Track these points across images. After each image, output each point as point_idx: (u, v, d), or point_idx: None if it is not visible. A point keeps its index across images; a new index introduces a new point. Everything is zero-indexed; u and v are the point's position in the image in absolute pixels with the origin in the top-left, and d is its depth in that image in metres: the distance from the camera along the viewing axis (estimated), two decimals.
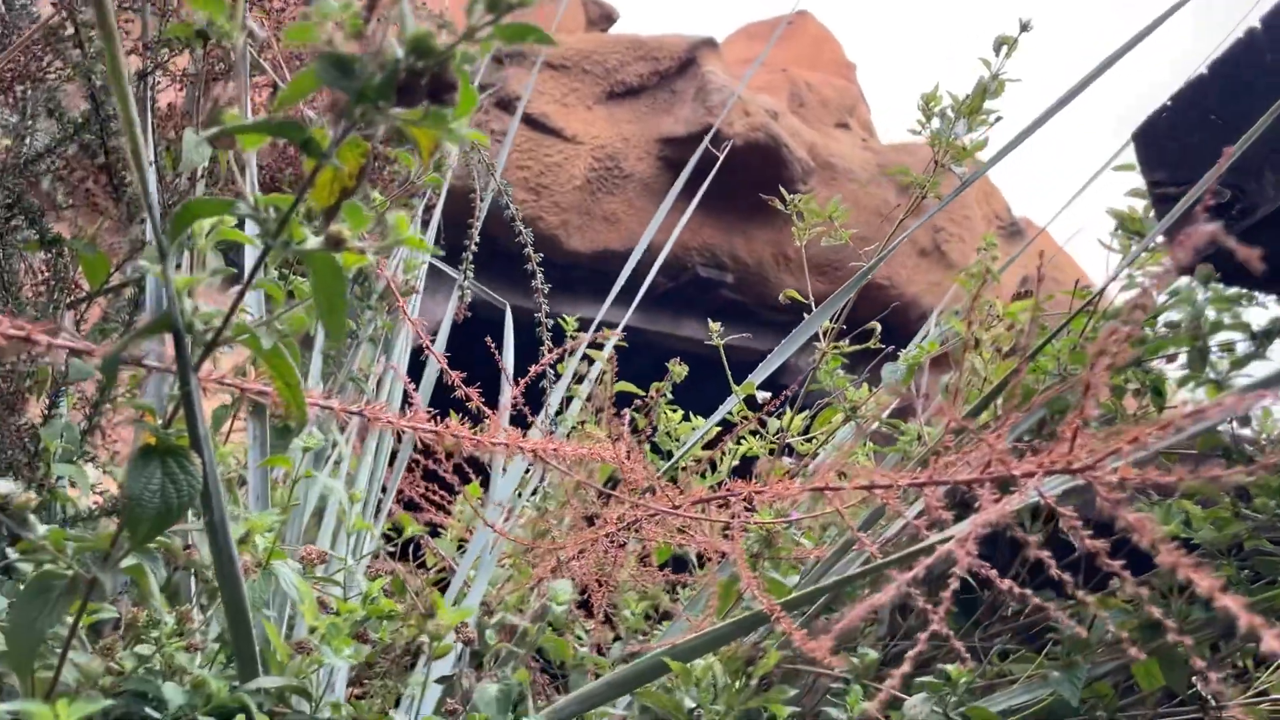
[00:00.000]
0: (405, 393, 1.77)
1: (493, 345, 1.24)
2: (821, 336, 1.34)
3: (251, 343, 0.58)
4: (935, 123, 1.22)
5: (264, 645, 0.88)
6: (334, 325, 0.54)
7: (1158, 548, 0.56)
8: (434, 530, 2.29)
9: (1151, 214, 1.14)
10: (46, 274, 1.57)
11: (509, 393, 1.22)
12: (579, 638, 1.45)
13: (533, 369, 1.05)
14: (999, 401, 1.14)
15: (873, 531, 1.10)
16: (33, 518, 0.66)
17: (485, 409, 1.01)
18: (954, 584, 0.63)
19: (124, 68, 0.52)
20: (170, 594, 0.94)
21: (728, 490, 0.95)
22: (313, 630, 0.86)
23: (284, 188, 1.51)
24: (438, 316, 2.27)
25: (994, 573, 0.76)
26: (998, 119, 1.21)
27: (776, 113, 5.41)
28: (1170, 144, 1.04)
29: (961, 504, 1.11)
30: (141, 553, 0.70)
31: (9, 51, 1.31)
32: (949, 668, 1.04)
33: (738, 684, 0.95)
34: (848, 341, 1.35)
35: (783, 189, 1.47)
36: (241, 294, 0.57)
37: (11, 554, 0.66)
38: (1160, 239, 1.06)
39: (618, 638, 1.61)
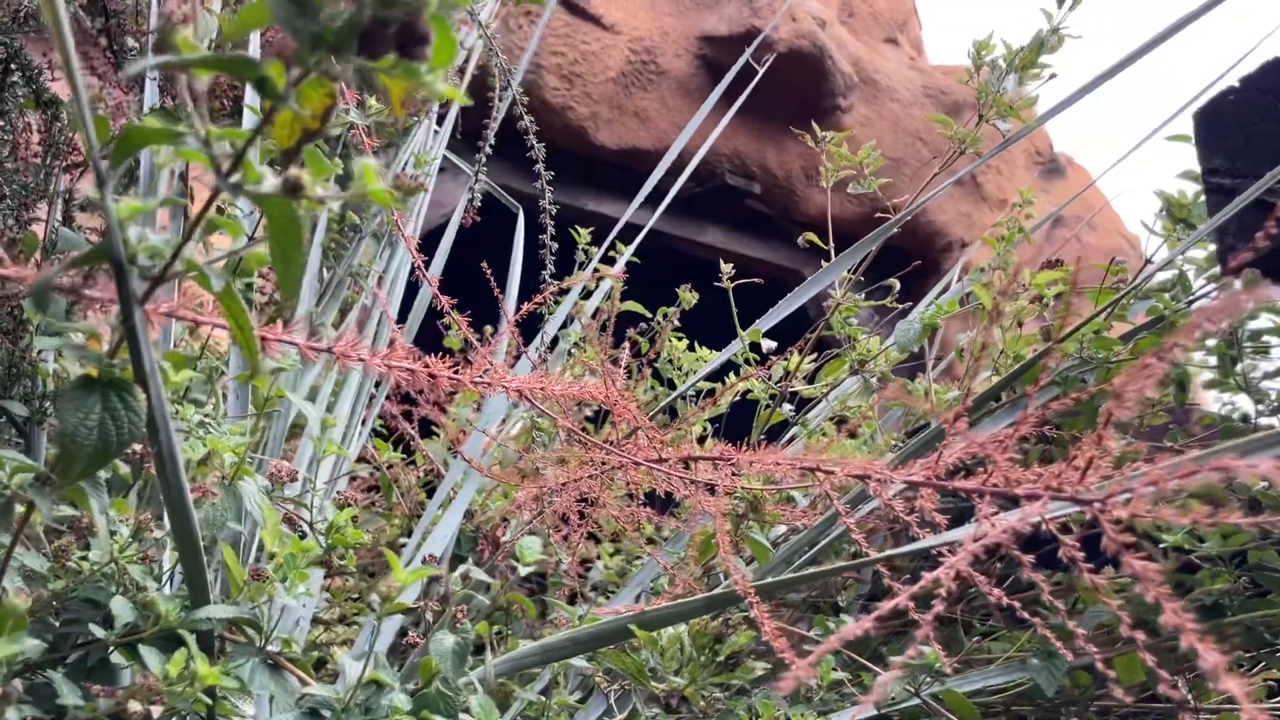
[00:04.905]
0: (401, 311, 1.72)
1: (489, 272, 1.18)
2: (837, 286, 1.27)
3: (201, 280, 0.53)
4: (985, 73, 1.14)
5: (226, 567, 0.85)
6: (287, 278, 0.49)
7: (1163, 604, 0.52)
8: (428, 428, 2.27)
9: (1202, 201, 1.07)
10: (43, 135, 1.51)
11: (508, 319, 1.17)
12: (558, 564, 1.43)
13: (526, 306, 0.99)
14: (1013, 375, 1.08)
15: (862, 502, 1.06)
16: None
17: (473, 339, 0.96)
18: (938, 607, 0.59)
19: None
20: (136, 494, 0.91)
21: (716, 454, 0.90)
22: (272, 557, 0.83)
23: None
24: (454, 201, 2.20)
25: (982, 579, 0.73)
26: (1052, 76, 1.13)
27: (825, 21, 5.22)
28: (1234, 131, 0.96)
29: (955, 495, 1.07)
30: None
31: None
32: (925, 649, 1.01)
33: (703, 658, 0.92)
34: (864, 296, 1.28)
35: (821, 104, 1.38)
36: (191, 229, 0.51)
37: None
38: (1209, 235, 0.99)
39: (588, 565, 1.59)
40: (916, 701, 1.08)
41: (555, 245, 1.78)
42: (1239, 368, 1.03)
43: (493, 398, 1.86)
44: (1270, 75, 0.95)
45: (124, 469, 0.71)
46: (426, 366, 0.78)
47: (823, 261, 1.27)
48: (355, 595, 1.84)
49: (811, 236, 1.34)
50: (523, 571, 0.89)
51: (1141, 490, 0.54)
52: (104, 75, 1.47)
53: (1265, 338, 1.01)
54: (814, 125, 1.31)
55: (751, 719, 0.98)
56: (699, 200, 5.27)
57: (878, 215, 1.34)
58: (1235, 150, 0.96)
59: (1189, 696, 1.16)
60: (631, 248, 1.83)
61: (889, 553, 0.76)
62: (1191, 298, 1.10)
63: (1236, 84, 0.97)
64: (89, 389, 0.57)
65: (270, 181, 0.48)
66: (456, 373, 0.83)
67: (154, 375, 0.58)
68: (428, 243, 1.88)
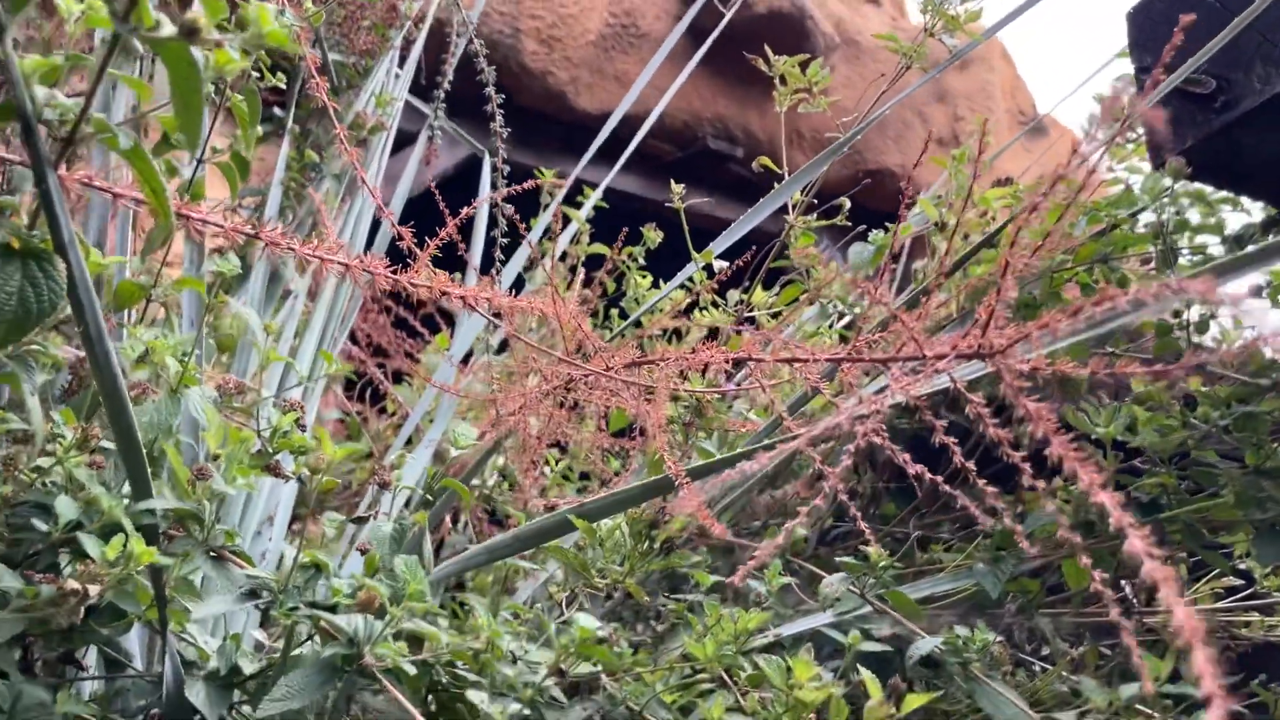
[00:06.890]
0: (372, 231, 1.72)
1: (441, 196, 1.18)
2: (790, 209, 1.28)
3: (110, 142, 0.54)
4: None
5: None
6: (189, 125, 0.50)
7: (1050, 438, 0.53)
8: (399, 380, 2.29)
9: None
10: None
11: (476, 247, 1.18)
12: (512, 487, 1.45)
13: (465, 209, 1.00)
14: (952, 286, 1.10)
15: (807, 409, 1.08)
16: None
17: (416, 249, 0.97)
18: (846, 461, 0.61)
19: None
20: (77, 408, 0.92)
21: (657, 356, 0.92)
22: (216, 457, 0.84)
23: None
24: (436, 169, 2.19)
25: (906, 457, 0.74)
26: None
27: None
28: (1164, 28, 0.97)
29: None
30: (15, 359, 0.67)
31: None
32: (869, 550, 1.03)
33: (641, 546, 0.94)
34: (815, 216, 1.30)
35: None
36: (96, 82, 0.52)
37: None
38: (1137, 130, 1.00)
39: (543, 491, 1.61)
40: (867, 609, 1.10)
41: (495, 193, 1.78)
42: (1169, 273, 1.04)
43: (459, 340, 1.88)
44: None
45: (57, 354, 0.72)
46: (363, 262, 0.79)
47: (775, 184, 1.28)
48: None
49: (765, 161, 1.35)
50: (454, 454, 0.90)
51: (1036, 335, 0.56)
52: None
53: (1199, 237, 1.02)
54: (767, 49, 1.32)
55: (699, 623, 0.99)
56: (683, 164, 5.26)
57: (860, 175, 1.35)
58: (1164, 46, 0.97)
59: (1135, 600, 1.19)
60: (598, 193, 1.84)
61: (816, 430, 0.78)
62: (1135, 209, 1.11)
63: None
64: (8, 258, 0.58)
65: (167, 27, 0.49)
66: (396, 274, 0.84)
67: (73, 245, 0.59)
68: (405, 211, 1.88)
